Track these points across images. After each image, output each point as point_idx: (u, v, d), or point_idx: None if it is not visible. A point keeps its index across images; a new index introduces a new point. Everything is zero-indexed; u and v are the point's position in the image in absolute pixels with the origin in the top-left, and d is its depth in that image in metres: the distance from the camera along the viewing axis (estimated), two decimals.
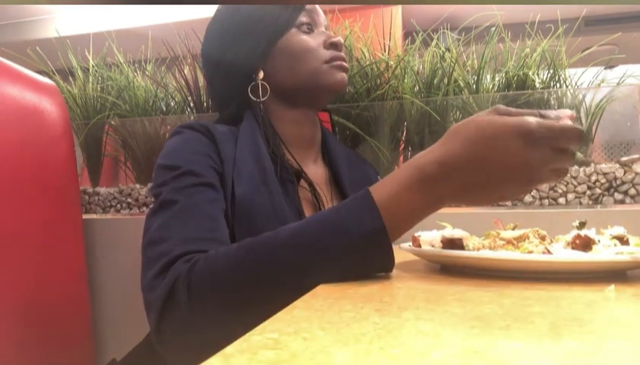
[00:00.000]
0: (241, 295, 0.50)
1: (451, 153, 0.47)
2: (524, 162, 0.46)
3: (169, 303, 0.52)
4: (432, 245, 0.56)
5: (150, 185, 1.16)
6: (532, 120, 0.45)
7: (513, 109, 0.48)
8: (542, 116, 0.47)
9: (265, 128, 0.75)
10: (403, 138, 1.07)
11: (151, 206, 0.64)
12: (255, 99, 0.76)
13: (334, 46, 0.77)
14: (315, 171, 0.81)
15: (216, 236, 0.58)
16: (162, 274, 0.53)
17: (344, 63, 0.77)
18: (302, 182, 0.74)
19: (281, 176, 0.71)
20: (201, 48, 0.83)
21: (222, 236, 0.59)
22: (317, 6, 0.80)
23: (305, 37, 0.76)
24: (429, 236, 0.58)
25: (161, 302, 0.52)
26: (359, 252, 0.48)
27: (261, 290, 0.49)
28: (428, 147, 0.50)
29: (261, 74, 0.76)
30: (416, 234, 0.59)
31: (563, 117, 0.47)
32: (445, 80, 1.01)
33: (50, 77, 1.11)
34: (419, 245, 0.57)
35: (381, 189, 0.49)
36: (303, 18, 0.76)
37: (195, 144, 0.68)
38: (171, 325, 0.53)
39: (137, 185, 1.16)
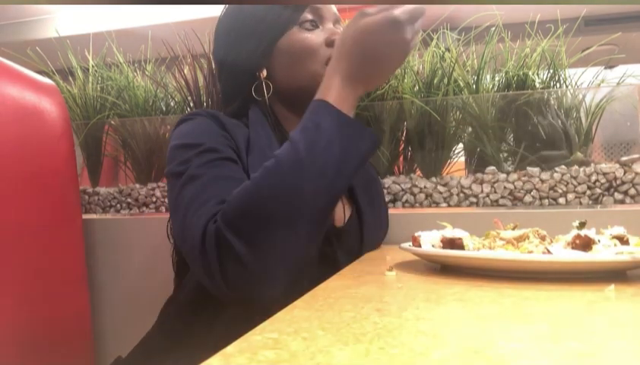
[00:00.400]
0: (276, 216, 0.54)
1: (359, 60, 0.61)
2: (402, 44, 0.61)
3: (224, 255, 0.53)
4: (432, 245, 0.56)
5: (150, 184, 1.16)
6: (397, 12, 0.59)
7: (372, 10, 0.61)
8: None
9: (271, 122, 0.75)
10: (403, 138, 1.07)
11: (172, 185, 0.63)
12: (258, 98, 0.75)
13: None
14: None
15: None
16: (208, 236, 0.54)
17: None
18: None
19: None
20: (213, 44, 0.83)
21: None
22: None
23: (306, 35, 0.74)
24: (429, 236, 0.58)
25: (216, 258, 0.53)
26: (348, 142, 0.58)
27: (288, 205, 0.54)
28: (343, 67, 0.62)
29: (265, 73, 0.75)
30: (416, 234, 0.59)
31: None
32: (445, 80, 1.01)
33: (50, 77, 1.10)
34: (419, 245, 0.57)
35: (331, 97, 0.61)
36: (308, 15, 0.74)
37: (209, 126, 0.68)
38: (235, 271, 0.53)
39: (137, 185, 1.16)
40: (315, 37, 0.74)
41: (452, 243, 0.54)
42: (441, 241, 0.55)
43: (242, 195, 0.55)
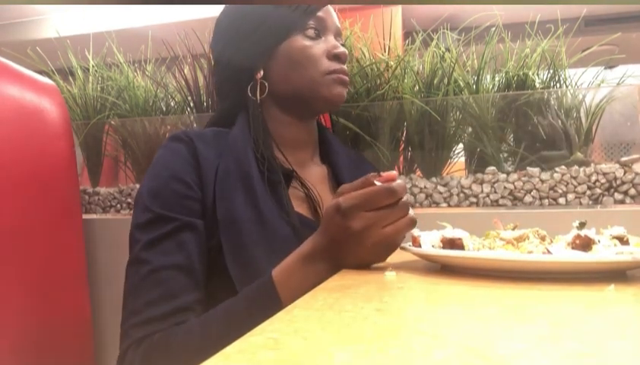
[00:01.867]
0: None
1: (318, 235, 0.59)
2: (348, 231, 0.54)
3: None
4: (432, 246, 0.56)
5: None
6: (341, 198, 0.55)
7: (347, 187, 0.56)
8: (367, 182, 0.55)
9: (257, 127, 0.74)
10: (403, 138, 1.07)
11: (129, 246, 0.67)
12: (252, 97, 0.75)
13: (338, 57, 0.75)
14: (313, 170, 0.81)
15: (177, 306, 0.61)
16: (127, 362, 0.61)
17: (345, 77, 0.76)
18: (298, 183, 0.75)
19: (271, 179, 0.71)
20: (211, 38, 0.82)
21: (185, 300, 0.62)
22: (331, 10, 0.78)
23: (308, 44, 0.74)
24: (429, 236, 0.57)
25: None
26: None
27: None
28: None
29: (261, 73, 0.75)
30: (415, 234, 0.59)
31: (385, 179, 0.55)
32: (445, 81, 1.01)
33: (50, 77, 1.10)
34: (419, 246, 0.57)
35: (281, 273, 0.59)
36: (312, 23, 0.74)
37: (175, 166, 0.69)
38: None
39: (137, 185, 1.16)
40: (318, 47, 0.74)
41: (452, 243, 0.54)
42: (441, 241, 0.55)
43: (164, 346, 0.59)
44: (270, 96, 0.76)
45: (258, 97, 0.75)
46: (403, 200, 0.55)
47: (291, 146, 0.78)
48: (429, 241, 0.57)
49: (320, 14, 0.75)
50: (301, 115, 0.78)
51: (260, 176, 0.70)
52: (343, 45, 0.79)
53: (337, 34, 0.79)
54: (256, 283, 0.60)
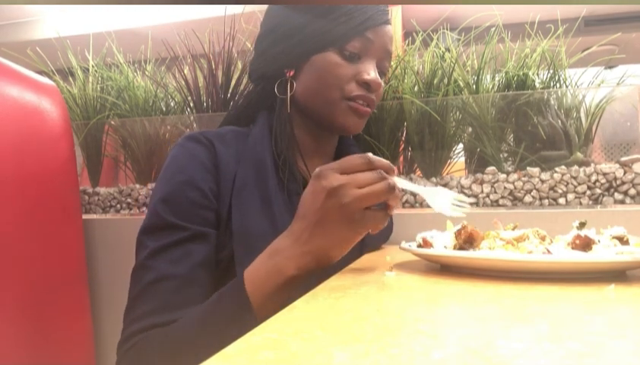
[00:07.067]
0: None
1: (294, 223, 0.56)
2: (322, 190, 0.52)
3: None
4: (445, 247, 0.56)
5: (150, 185, 1.16)
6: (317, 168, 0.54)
7: (326, 170, 0.54)
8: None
9: (282, 128, 0.72)
10: (403, 138, 1.07)
11: (136, 250, 0.66)
12: (279, 95, 0.73)
13: (367, 85, 0.70)
14: None
15: (179, 318, 0.60)
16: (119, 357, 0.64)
17: (364, 108, 0.71)
18: None
19: (288, 188, 0.69)
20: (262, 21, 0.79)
21: (182, 312, 0.62)
22: (385, 32, 0.72)
23: (340, 62, 0.70)
24: (442, 237, 0.58)
25: None
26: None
27: None
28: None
29: (292, 72, 0.72)
30: (428, 238, 0.59)
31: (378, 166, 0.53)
32: (445, 81, 1.01)
33: (50, 77, 1.11)
34: (431, 246, 0.57)
35: (251, 270, 0.57)
36: (355, 43, 0.70)
37: (192, 171, 0.66)
38: None
39: (137, 185, 1.16)
40: (350, 68, 0.70)
41: (470, 238, 0.54)
42: (456, 233, 0.55)
43: (144, 350, 0.60)
44: (293, 100, 0.74)
45: (288, 95, 0.72)
46: (385, 177, 0.53)
47: (309, 153, 0.77)
48: (442, 242, 0.57)
49: (369, 34, 0.70)
50: (320, 128, 0.76)
51: (278, 185, 0.68)
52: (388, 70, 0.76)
53: (385, 58, 0.74)
54: (230, 282, 0.58)
